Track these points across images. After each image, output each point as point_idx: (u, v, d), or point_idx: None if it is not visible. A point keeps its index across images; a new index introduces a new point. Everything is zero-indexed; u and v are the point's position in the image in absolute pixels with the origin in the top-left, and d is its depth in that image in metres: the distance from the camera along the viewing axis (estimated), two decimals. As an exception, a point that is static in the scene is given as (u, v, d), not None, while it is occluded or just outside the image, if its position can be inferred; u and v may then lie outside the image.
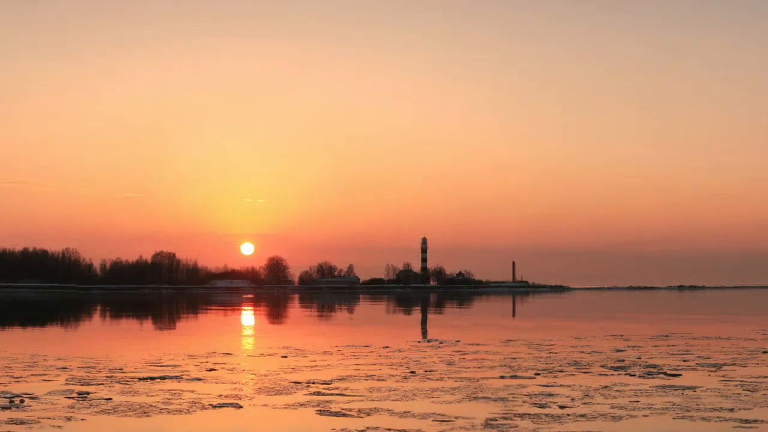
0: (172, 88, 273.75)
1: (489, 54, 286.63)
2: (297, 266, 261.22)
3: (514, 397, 13.40)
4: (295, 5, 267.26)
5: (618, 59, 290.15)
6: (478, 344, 25.10)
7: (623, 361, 19.60)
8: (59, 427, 10.87)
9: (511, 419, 11.38)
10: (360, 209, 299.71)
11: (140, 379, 15.83)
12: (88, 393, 13.78)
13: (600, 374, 16.81)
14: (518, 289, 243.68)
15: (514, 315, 55.30)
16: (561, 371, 17.34)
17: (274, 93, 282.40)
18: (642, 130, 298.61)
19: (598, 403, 12.78)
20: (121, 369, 17.66)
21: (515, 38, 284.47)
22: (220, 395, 13.68)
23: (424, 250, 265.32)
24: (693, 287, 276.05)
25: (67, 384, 14.98)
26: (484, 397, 13.44)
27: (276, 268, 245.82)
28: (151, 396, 13.56)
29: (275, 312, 60.65)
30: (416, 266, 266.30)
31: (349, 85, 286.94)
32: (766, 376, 16.38)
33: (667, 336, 29.18)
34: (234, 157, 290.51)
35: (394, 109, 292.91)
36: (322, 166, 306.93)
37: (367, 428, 10.73)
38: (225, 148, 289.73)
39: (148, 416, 11.70)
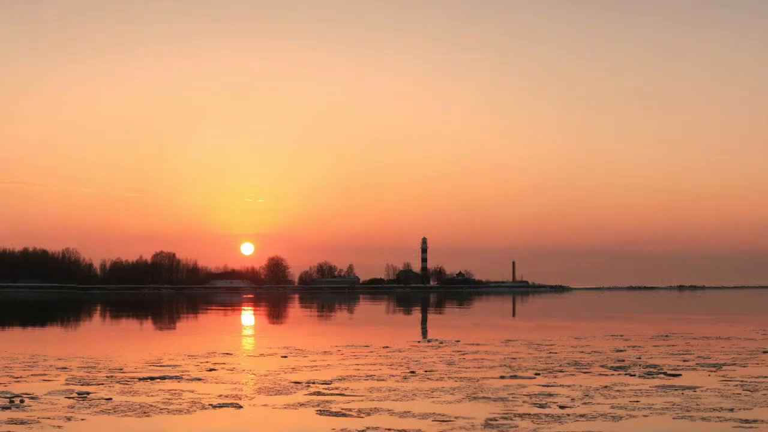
0: (172, 88, 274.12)
1: (489, 54, 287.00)
2: (297, 266, 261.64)
3: (514, 397, 13.39)
4: (295, 5, 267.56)
5: (618, 59, 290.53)
6: (478, 344, 25.10)
7: (623, 361, 19.60)
8: (59, 427, 10.87)
9: (511, 419, 11.38)
10: (360, 209, 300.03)
11: (140, 379, 15.83)
12: (88, 393, 13.78)
13: (600, 374, 16.80)
14: (518, 289, 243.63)
15: (514, 315, 55.29)
16: (561, 371, 17.34)
17: (274, 93, 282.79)
18: (642, 130, 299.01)
19: (598, 403, 12.77)
20: (121, 369, 17.66)
21: (515, 38, 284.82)
22: (220, 395, 13.68)
23: (424, 250, 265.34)
24: (693, 287, 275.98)
25: (67, 384, 14.98)
26: (484, 397, 13.44)
27: (276, 268, 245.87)
28: (151, 396, 13.56)
29: (275, 312, 60.64)
30: (416, 266, 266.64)
31: (349, 85, 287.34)
32: (766, 376, 16.38)
33: (667, 336, 29.18)
34: (234, 157, 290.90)
35: (394, 109, 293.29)
36: (322, 166, 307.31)
37: (367, 428, 10.73)
38: (225, 148, 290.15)
39: (148, 416, 11.70)
